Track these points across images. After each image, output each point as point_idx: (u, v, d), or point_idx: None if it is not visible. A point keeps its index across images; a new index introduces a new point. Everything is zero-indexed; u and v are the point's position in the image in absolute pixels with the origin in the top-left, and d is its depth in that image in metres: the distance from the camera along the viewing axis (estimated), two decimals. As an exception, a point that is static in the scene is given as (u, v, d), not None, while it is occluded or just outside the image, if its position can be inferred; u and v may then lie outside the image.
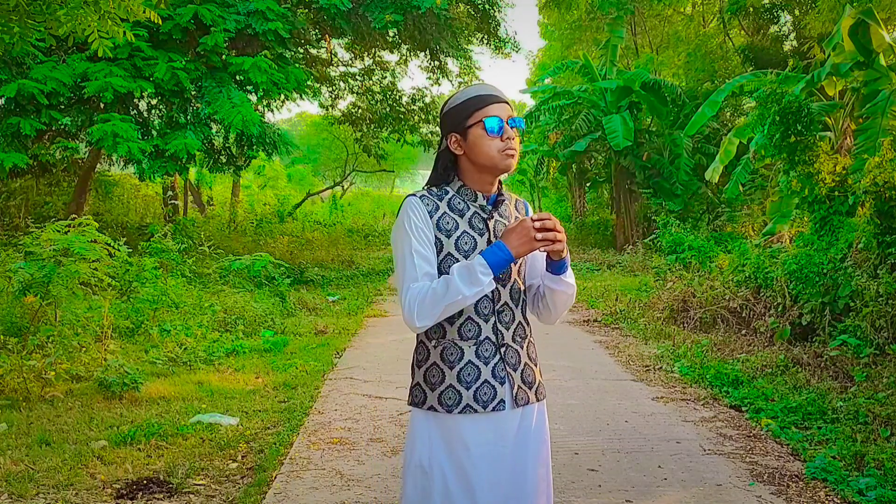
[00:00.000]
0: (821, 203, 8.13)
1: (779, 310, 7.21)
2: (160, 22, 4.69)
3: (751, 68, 14.92)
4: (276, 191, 24.90)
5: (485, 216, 1.99)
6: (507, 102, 1.97)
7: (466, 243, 1.95)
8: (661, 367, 6.46)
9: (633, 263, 14.61)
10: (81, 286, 6.38)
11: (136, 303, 7.97)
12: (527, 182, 26.71)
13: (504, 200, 2.05)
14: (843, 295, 6.52)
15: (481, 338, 1.95)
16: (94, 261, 6.28)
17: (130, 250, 7.93)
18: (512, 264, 1.96)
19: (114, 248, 6.77)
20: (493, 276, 1.85)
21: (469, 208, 1.98)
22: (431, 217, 1.95)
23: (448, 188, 2.01)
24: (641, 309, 9.10)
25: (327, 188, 30.50)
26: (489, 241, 1.97)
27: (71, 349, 5.99)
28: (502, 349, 1.96)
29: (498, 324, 1.96)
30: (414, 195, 1.99)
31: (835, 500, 3.58)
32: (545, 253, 2.04)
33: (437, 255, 1.95)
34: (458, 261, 1.94)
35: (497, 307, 1.97)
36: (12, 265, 6.53)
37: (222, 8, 10.72)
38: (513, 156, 1.93)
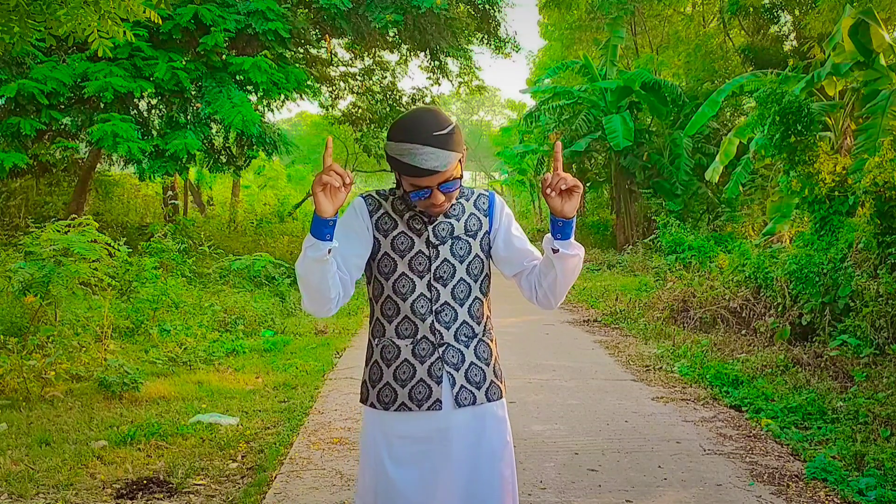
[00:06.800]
0: (821, 203, 8.13)
1: (779, 310, 7.21)
2: (160, 22, 4.69)
3: (751, 68, 14.93)
4: (276, 191, 24.85)
5: (425, 218, 1.96)
6: (439, 171, 1.80)
7: (403, 243, 1.95)
8: (661, 367, 6.46)
9: (633, 263, 14.62)
10: (81, 286, 6.38)
11: (136, 303, 7.97)
12: (527, 182, 26.72)
13: (456, 202, 1.99)
14: (843, 295, 6.52)
15: (418, 336, 1.94)
16: (94, 261, 6.28)
17: (130, 250, 7.93)
18: (458, 263, 1.95)
19: (114, 248, 6.77)
20: (314, 236, 1.78)
21: (409, 210, 1.97)
22: (372, 216, 1.96)
23: (396, 190, 2.00)
24: (641, 309, 9.10)
25: (327, 188, 30.39)
26: (427, 241, 1.95)
27: (71, 349, 5.99)
28: (441, 348, 1.95)
29: (436, 323, 1.94)
30: (362, 195, 2.00)
31: (835, 500, 3.58)
32: (519, 242, 2.02)
33: (376, 255, 1.96)
34: (394, 261, 1.94)
35: (435, 307, 1.95)
36: (12, 265, 6.53)
37: (222, 8, 10.73)
38: (442, 210, 1.90)
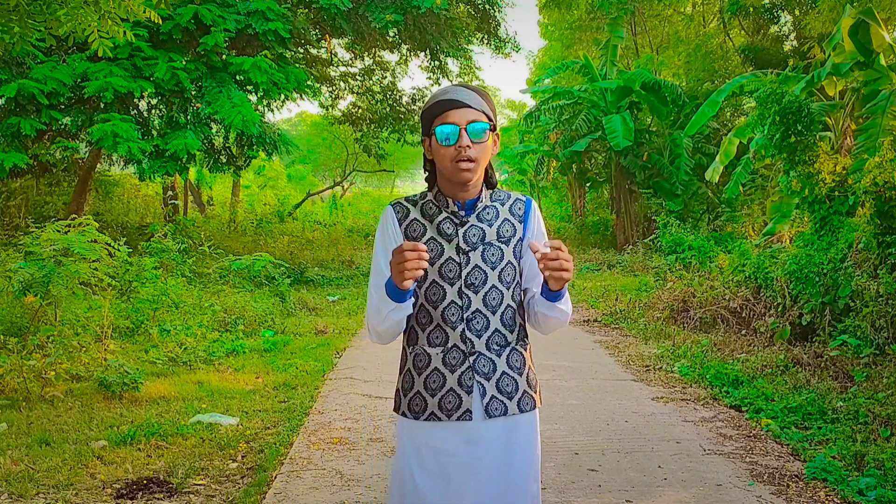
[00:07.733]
0: (821, 203, 8.13)
1: (779, 310, 7.21)
2: (160, 22, 4.69)
3: (751, 68, 14.92)
4: (276, 191, 24.86)
5: (456, 221, 1.93)
6: (470, 106, 1.85)
7: (432, 250, 1.91)
8: (661, 367, 6.46)
9: (633, 263, 14.61)
10: (81, 286, 6.38)
11: (136, 303, 7.97)
12: (527, 182, 26.71)
13: (490, 205, 1.97)
14: (843, 295, 6.52)
15: (449, 345, 1.92)
16: (94, 261, 6.28)
17: (130, 250, 7.93)
18: (490, 270, 1.92)
19: (114, 248, 6.77)
20: (394, 301, 1.83)
21: (440, 213, 1.94)
22: (401, 224, 1.95)
23: (428, 193, 1.99)
24: (641, 309, 9.10)
25: (327, 188, 30.46)
26: (458, 248, 1.92)
27: (71, 349, 5.99)
28: (472, 357, 1.92)
29: (467, 331, 1.91)
30: (391, 203, 1.99)
31: (835, 500, 3.58)
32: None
33: None
34: (424, 269, 1.92)
35: (466, 314, 1.92)
36: (12, 265, 6.53)
37: (222, 8, 10.74)
38: (468, 168, 1.84)
